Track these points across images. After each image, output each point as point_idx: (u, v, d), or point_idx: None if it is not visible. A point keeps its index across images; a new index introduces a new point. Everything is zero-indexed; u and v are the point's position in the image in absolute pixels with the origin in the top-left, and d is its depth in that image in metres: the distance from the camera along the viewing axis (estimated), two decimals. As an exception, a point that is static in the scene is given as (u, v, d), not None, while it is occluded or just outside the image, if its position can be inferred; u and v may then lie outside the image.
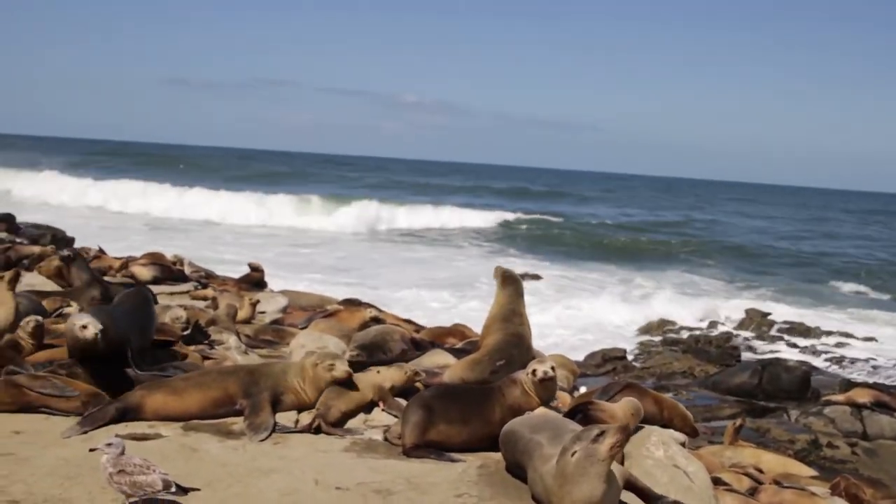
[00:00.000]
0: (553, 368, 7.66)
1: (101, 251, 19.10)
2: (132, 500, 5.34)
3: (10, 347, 8.86)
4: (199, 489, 5.90)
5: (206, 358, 9.70)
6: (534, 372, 7.57)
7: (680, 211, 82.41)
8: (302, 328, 12.37)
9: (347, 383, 8.02)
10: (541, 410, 7.43)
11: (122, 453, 5.31)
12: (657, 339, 25.32)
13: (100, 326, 7.80)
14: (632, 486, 6.03)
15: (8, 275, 9.77)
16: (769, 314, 29.09)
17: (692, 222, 69.38)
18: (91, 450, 5.40)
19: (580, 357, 20.37)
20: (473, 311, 22.80)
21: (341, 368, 8.03)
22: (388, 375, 8.44)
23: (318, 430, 7.58)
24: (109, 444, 5.32)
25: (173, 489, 5.43)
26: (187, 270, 17.36)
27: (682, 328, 26.83)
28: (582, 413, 7.56)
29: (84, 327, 7.81)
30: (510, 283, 9.56)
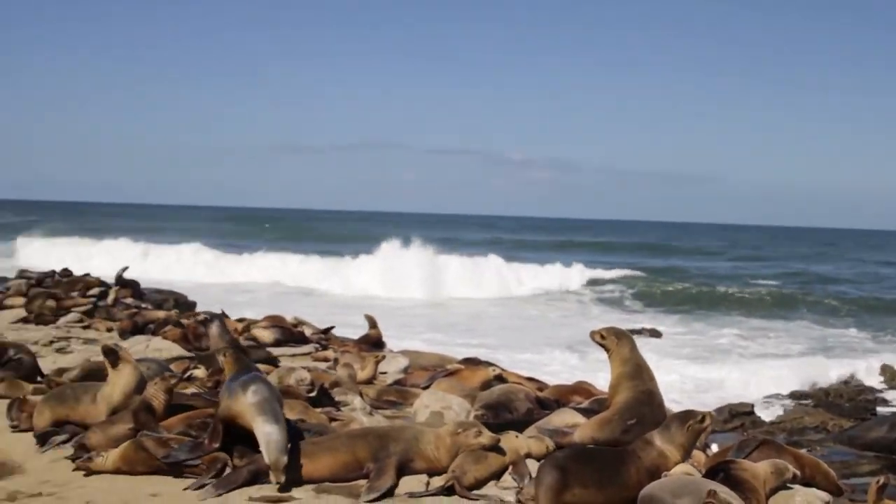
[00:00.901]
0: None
1: (224, 314, 19.49)
2: None
3: (144, 410, 9.02)
4: None
5: (332, 420, 9.74)
6: (702, 420, 7.69)
7: (808, 261, 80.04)
8: (424, 388, 12.36)
9: (493, 448, 7.96)
10: (679, 469, 7.25)
11: None
12: (784, 392, 24.52)
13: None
14: None
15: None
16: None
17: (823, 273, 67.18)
18: None
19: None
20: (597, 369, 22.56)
21: (489, 436, 7.99)
22: (528, 444, 8.35)
23: (450, 493, 7.50)
24: None
25: None
26: (307, 332, 17.58)
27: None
28: (724, 472, 7.32)
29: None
30: (625, 337, 9.33)
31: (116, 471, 8.08)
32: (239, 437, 8.01)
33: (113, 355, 9.59)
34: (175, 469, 7.94)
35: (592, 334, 9.46)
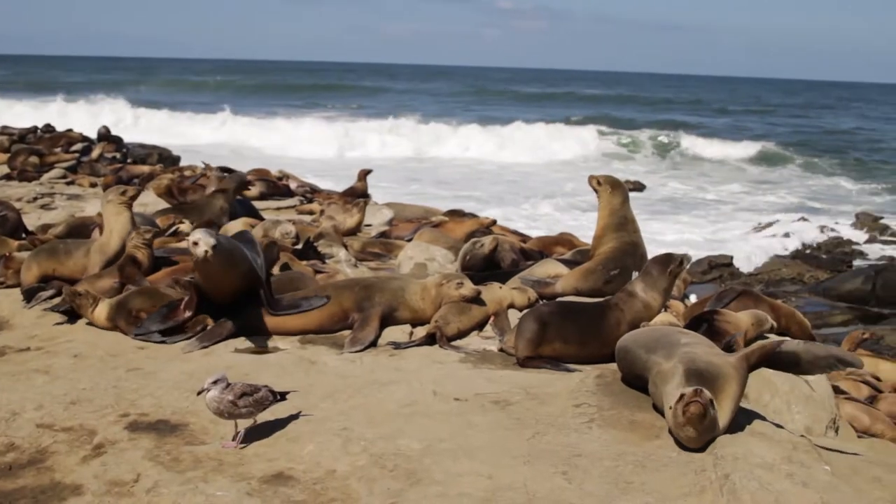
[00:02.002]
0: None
1: (208, 168, 19.43)
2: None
3: (130, 263, 9.04)
4: (296, 391, 6.07)
5: (317, 272, 9.78)
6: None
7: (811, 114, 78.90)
8: (408, 240, 12.41)
9: (474, 299, 8.03)
10: (660, 319, 7.33)
11: (228, 384, 5.42)
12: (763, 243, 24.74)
13: (212, 242, 7.33)
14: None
15: (130, 190, 9.87)
16: (881, 218, 28.24)
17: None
18: (199, 392, 5.46)
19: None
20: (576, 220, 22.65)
21: (470, 287, 8.04)
22: (511, 295, 8.41)
23: (432, 342, 7.60)
24: (215, 382, 5.40)
25: (279, 397, 5.65)
26: (293, 185, 17.54)
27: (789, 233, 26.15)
28: (706, 323, 7.40)
29: (195, 244, 7.36)
30: (617, 189, 9.31)
31: (102, 326, 8.15)
32: (214, 308, 7.95)
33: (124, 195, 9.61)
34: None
35: (590, 179, 9.45)
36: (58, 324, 8.45)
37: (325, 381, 6.64)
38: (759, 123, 69.02)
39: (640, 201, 27.93)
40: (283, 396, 5.65)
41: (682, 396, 5.25)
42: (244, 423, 5.56)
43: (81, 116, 46.26)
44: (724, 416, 5.42)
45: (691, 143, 51.10)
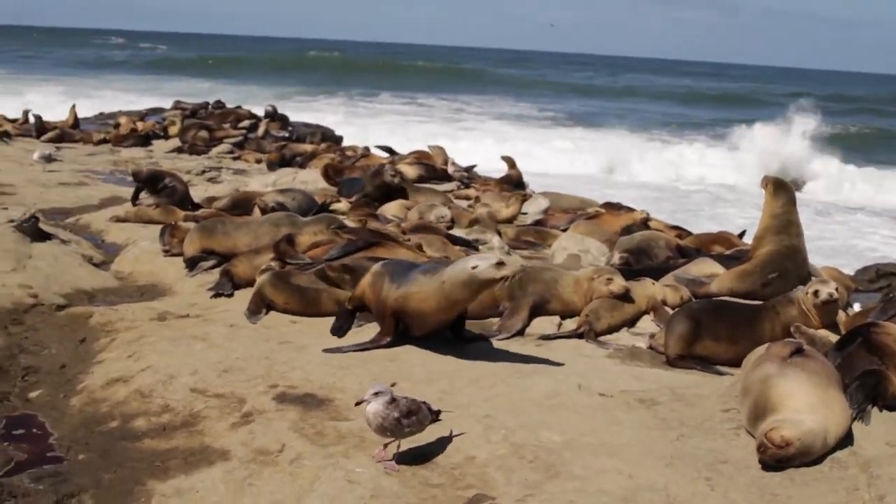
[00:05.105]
0: (837, 290, 7.20)
1: (368, 150, 19.77)
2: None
3: (285, 241, 9.26)
4: (450, 411, 5.70)
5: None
6: (816, 293, 7.11)
7: None
8: (563, 230, 12.33)
9: (622, 296, 7.91)
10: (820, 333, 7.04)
11: (393, 399, 4.99)
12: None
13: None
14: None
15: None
16: None
17: None
18: (357, 403, 5.08)
19: (850, 271, 19.28)
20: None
21: (619, 283, 7.93)
22: (664, 292, 8.28)
23: (581, 336, 7.52)
24: (377, 394, 4.97)
25: (436, 416, 5.32)
26: (450, 170, 17.65)
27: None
28: (862, 336, 7.06)
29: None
30: (783, 191, 9.03)
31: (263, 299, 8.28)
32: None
33: None
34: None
35: (762, 179, 9.23)
36: (215, 296, 8.73)
37: (470, 367, 6.63)
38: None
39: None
40: (437, 416, 5.34)
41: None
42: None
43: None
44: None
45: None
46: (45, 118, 24.27)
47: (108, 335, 7.76)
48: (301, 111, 35.32)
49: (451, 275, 6.64)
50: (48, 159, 18.35)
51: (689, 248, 11.06)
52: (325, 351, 6.95)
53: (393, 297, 6.97)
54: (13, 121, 24.33)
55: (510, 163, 17.88)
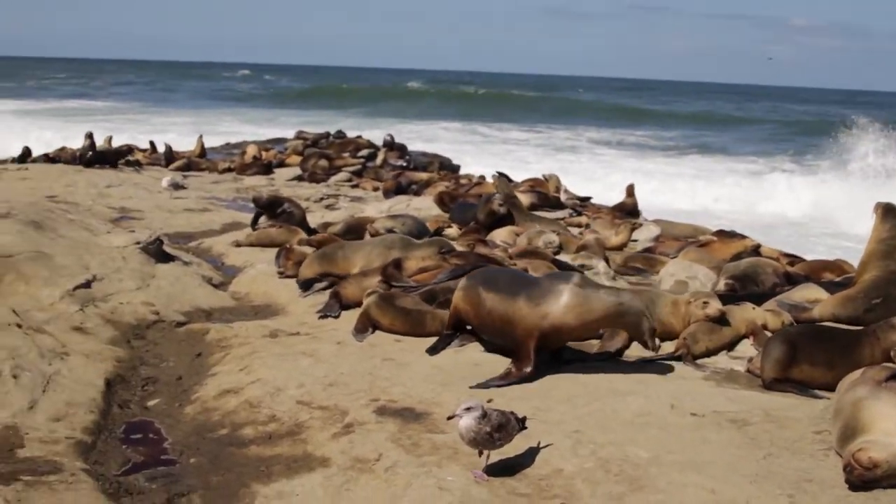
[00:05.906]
0: None
1: (483, 178, 20.07)
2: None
3: (393, 265, 9.57)
4: (533, 418, 5.80)
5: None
6: None
7: None
8: (672, 257, 12.35)
9: (720, 319, 7.96)
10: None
11: (484, 414, 5.15)
12: None
13: None
14: None
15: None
16: None
17: None
18: (449, 418, 5.31)
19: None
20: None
21: (715, 307, 7.97)
22: (764, 316, 8.27)
23: (679, 359, 7.59)
24: (468, 409, 5.14)
25: (523, 426, 5.46)
26: (563, 198, 17.79)
27: None
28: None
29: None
30: (891, 216, 8.90)
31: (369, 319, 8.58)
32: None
33: None
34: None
35: (875, 205, 9.13)
36: (323, 317, 9.08)
37: (565, 386, 6.79)
38: None
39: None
40: (524, 423, 5.49)
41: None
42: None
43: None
44: None
45: None
46: (175, 148, 25.39)
47: (223, 350, 8.22)
48: (417, 140, 35.98)
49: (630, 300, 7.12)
50: (176, 186, 19.27)
51: (798, 274, 10.98)
52: (472, 387, 6.74)
53: (538, 316, 6.99)
54: (144, 150, 25.53)
55: (629, 191, 17.95)
